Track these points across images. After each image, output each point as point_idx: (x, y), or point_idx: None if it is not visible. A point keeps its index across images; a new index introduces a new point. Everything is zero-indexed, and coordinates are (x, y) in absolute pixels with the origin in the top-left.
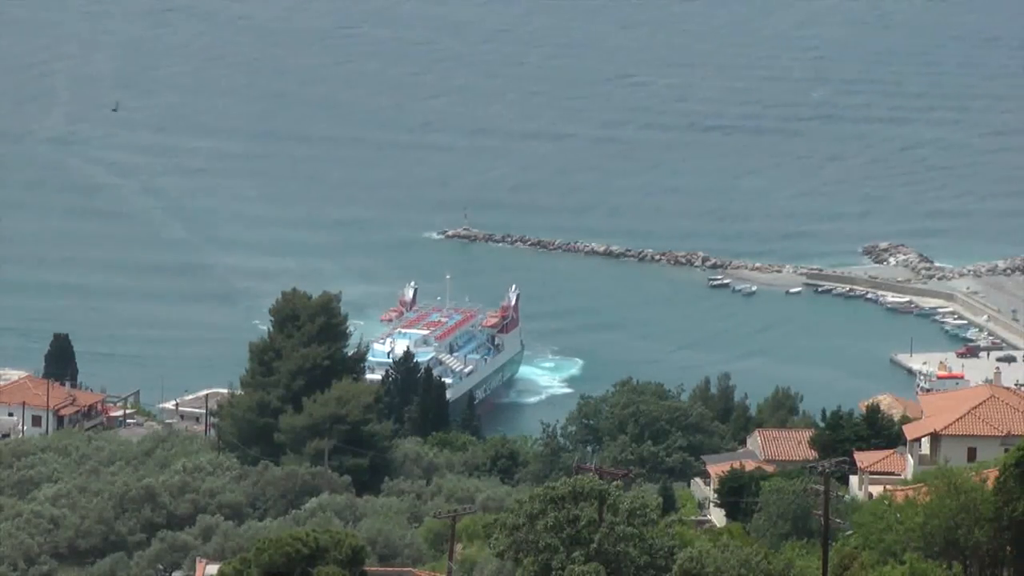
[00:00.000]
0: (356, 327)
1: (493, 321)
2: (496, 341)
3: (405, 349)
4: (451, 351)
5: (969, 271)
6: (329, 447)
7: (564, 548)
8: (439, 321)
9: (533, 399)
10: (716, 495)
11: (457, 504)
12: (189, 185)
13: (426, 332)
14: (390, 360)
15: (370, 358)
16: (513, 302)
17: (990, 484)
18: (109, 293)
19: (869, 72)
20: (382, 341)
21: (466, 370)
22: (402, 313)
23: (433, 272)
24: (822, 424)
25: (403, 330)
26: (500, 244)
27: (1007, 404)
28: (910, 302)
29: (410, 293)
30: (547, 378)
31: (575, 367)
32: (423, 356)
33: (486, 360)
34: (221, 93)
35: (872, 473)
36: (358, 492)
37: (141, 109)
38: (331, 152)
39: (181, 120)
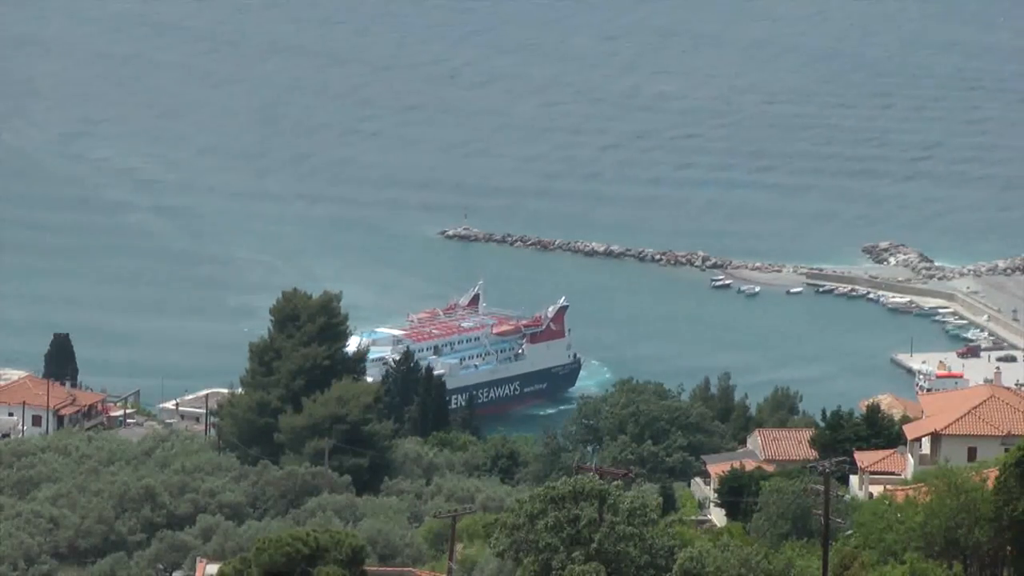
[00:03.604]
0: (391, 326)
1: (505, 329)
2: (519, 350)
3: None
4: (436, 354)
5: (969, 271)
6: (329, 447)
7: (564, 548)
8: (458, 326)
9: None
10: (716, 495)
11: (457, 504)
12: (187, 184)
13: (401, 332)
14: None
15: None
16: (552, 314)
17: (990, 484)
18: (108, 293)
19: (870, 73)
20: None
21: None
22: (436, 314)
23: (433, 272)
24: (822, 424)
25: (380, 330)
26: (500, 244)
27: (1007, 404)
28: (911, 302)
29: (465, 299)
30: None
31: (607, 373)
32: (377, 354)
33: (477, 367)
34: (216, 91)
35: (872, 473)
36: (358, 492)
37: (136, 108)
38: (330, 151)
39: (177, 118)
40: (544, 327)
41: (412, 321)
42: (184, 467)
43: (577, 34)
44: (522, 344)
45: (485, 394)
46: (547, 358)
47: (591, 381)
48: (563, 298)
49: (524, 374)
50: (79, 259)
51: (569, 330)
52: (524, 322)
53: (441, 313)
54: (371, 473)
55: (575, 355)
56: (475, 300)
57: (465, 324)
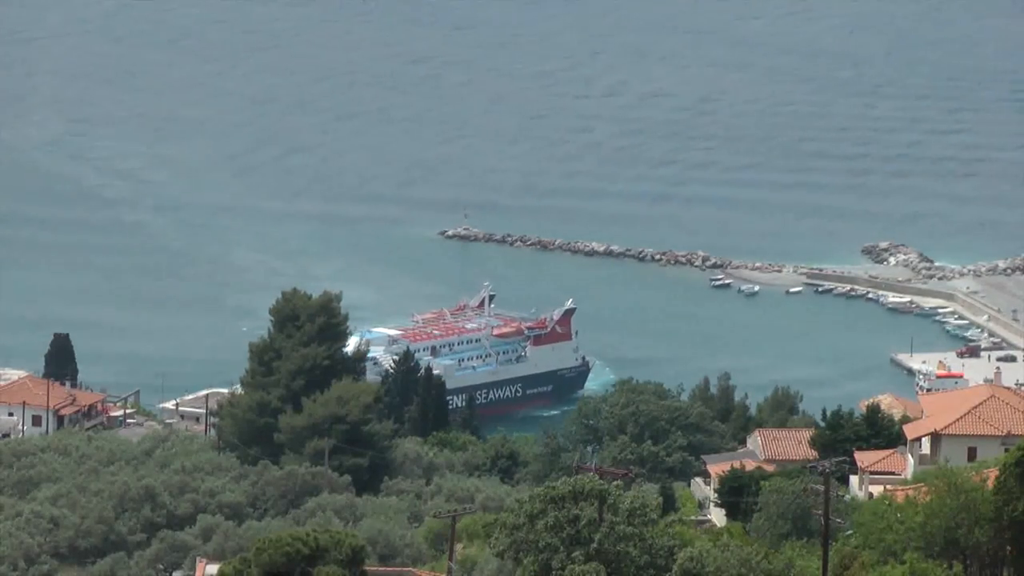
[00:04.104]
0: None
1: (505, 331)
2: (522, 352)
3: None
4: (433, 354)
5: (969, 271)
6: (329, 447)
7: (564, 548)
8: (462, 327)
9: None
10: (716, 495)
11: (457, 504)
12: (185, 184)
13: (397, 333)
14: None
15: None
16: (557, 317)
17: (990, 484)
18: (107, 293)
19: (870, 73)
20: None
21: None
22: (443, 315)
23: (434, 272)
24: (822, 424)
25: (376, 330)
26: (500, 244)
27: (1007, 404)
28: (910, 302)
29: (475, 300)
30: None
31: (610, 374)
32: (370, 353)
33: (475, 368)
34: (215, 91)
35: (872, 473)
36: (358, 492)
37: (134, 108)
38: (329, 151)
39: (175, 118)
40: (549, 329)
41: (417, 321)
42: (184, 467)
43: (566, 34)
44: (525, 346)
45: (484, 395)
46: (552, 360)
47: (594, 382)
48: (570, 300)
49: (527, 376)
50: (78, 259)
51: (576, 332)
52: (528, 324)
53: (448, 314)
54: (371, 473)
55: (583, 358)
56: (485, 302)
57: (469, 326)
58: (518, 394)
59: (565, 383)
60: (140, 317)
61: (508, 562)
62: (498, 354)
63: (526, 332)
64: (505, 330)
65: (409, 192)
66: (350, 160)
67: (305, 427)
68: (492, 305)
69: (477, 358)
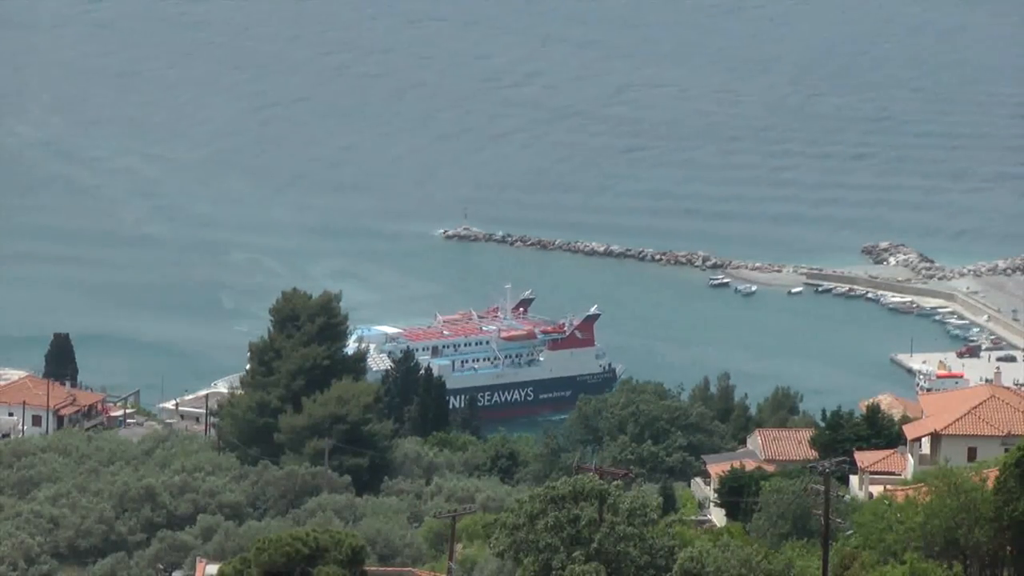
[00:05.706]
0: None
1: (514, 334)
2: (535, 356)
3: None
4: (435, 354)
5: (969, 271)
6: (329, 447)
7: (564, 548)
8: (475, 328)
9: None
10: (716, 495)
11: (457, 504)
12: (184, 184)
13: (395, 331)
14: None
15: None
16: (577, 322)
17: (990, 484)
18: (106, 293)
19: (870, 72)
20: None
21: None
22: (470, 316)
23: (434, 273)
24: (822, 424)
25: (376, 328)
26: (500, 244)
27: (1007, 404)
28: (911, 302)
29: (511, 303)
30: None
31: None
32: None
33: (476, 370)
34: (213, 90)
35: (872, 473)
36: (358, 492)
37: (131, 107)
38: (329, 151)
39: (174, 118)
40: (568, 334)
41: (439, 322)
42: (184, 467)
43: (557, 31)
44: (541, 350)
45: (488, 397)
46: (570, 366)
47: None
48: (595, 306)
49: (539, 380)
50: (78, 258)
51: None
52: (542, 328)
53: (475, 315)
54: (371, 473)
55: (609, 364)
56: (521, 305)
57: (487, 328)
58: (529, 398)
59: (586, 389)
60: (140, 316)
61: (508, 562)
62: (505, 357)
63: (540, 336)
64: (514, 333)
65: (409, 192)
66: (350, 160)
67: (305, 427)
68: (522, 309)
69: (483, 360)
